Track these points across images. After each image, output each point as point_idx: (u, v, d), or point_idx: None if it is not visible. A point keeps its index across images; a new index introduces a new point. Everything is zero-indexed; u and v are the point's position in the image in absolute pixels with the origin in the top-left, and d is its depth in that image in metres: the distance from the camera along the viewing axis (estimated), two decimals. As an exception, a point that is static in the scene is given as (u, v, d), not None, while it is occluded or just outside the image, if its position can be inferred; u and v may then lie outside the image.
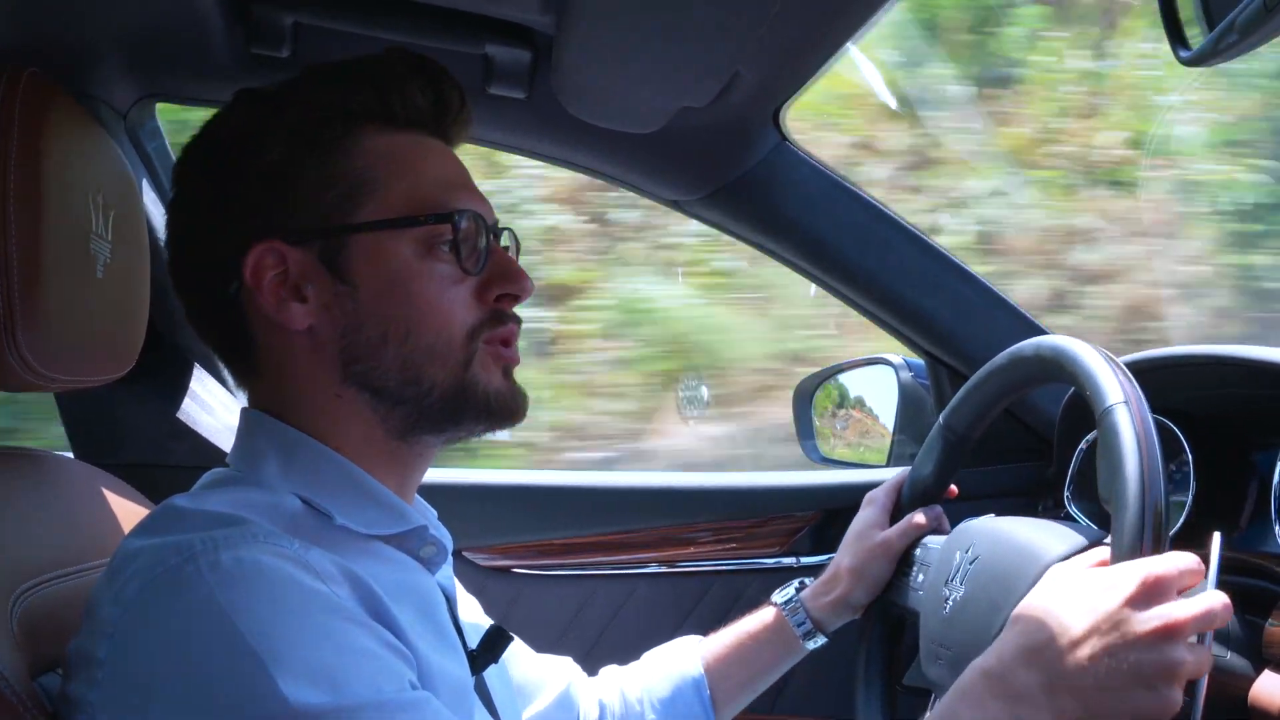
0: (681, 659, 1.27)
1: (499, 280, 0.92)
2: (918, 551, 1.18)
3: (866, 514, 1.26)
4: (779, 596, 1.27)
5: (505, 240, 0.98)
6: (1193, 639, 0.81)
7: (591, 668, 1.27)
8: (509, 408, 0.92)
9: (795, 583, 1.28)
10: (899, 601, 1.20)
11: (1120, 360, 0.93)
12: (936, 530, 1.19)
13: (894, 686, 1.25)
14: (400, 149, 0.91)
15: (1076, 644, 0.81)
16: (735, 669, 1.26)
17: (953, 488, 1.23)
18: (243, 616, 0.72)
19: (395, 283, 0.88)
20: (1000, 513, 1.09)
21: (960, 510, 1.18)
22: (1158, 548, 0.84)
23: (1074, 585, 0.85)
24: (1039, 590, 0.89)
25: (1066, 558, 0.93)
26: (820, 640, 1.25)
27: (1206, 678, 0.82)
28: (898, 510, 1.24)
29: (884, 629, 1.23)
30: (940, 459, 1.20)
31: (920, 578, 1.15)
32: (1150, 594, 0.80)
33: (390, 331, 0.88)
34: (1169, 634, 0.79)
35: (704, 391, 3.15)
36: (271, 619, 0.73)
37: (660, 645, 1.31)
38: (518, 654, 1.19)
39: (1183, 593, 0.82)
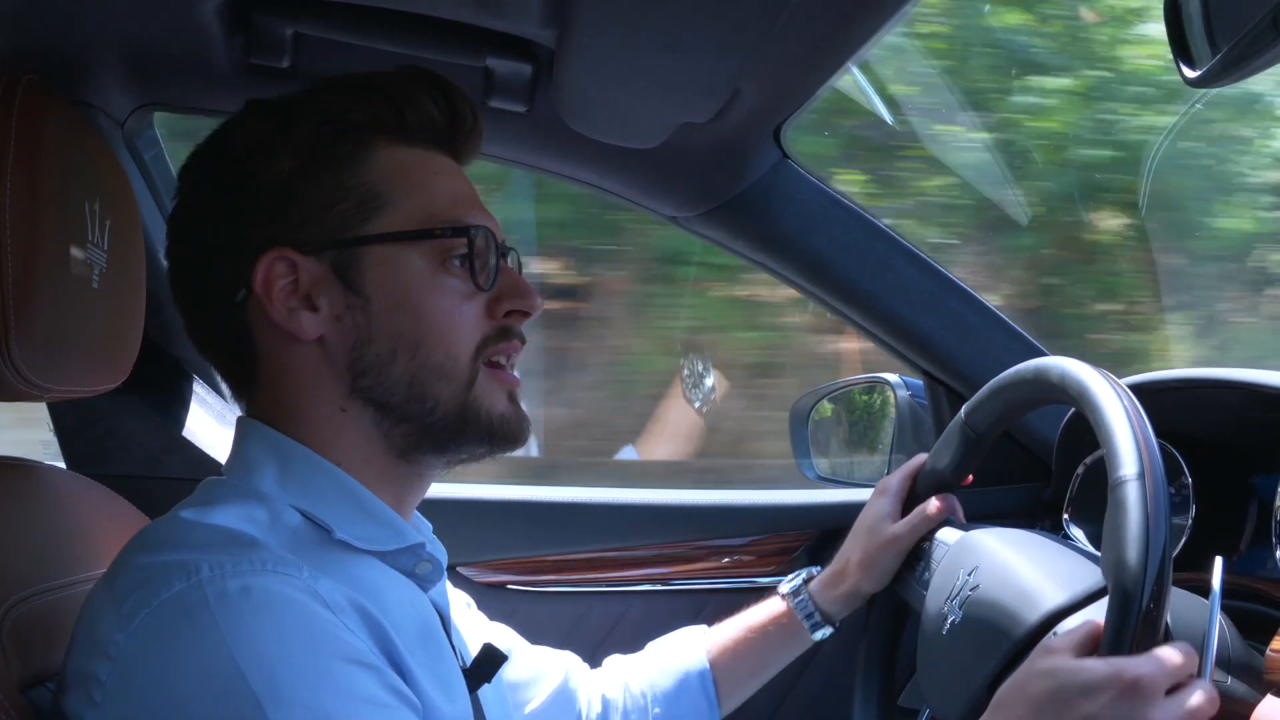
0: (687, 651, 1.26)
1: (509, 296, 0.93)
2: (926, 545, 1.16)
3: (879, 504, 1.23)
4: (786, 587, 1.26)
5: (510, 261, 0.98)
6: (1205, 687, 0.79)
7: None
8: (511, 432, 0.93)
9: (802, 573, 1.27)
10: (905, 596, 1.18)
11: (1143, 415, 0.88)
12: (950, 521, 1.17)
13: (893, 683, 1.23)
14: (412, 164, 0.92)
15: None
16: (741, 661, 1.25)
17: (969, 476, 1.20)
18: (246, 654, 0.71)
19: (407, 296, 0.88)
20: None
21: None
22: (1149, 642, 0.81)
23: (1056, 682, 0.82)
24: (1023, 680, 0.85)
25: (1065, 609, 0.91)
26: (827, 631, 1.24)
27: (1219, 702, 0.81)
28: (910, 499, 1.22)
29: (887, 621, 1.23)
30: (958, 454, 1.16)
31: (926, 575, 1.13)
32: (1132, 697, 0.78)
33: (400, 346, 0.88)
34: None
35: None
36: (275, 658, 0.72)
37: (665, 636, 1.30)
38: (514, 653, 1.18)
39: (1173, 691, 0.79)
